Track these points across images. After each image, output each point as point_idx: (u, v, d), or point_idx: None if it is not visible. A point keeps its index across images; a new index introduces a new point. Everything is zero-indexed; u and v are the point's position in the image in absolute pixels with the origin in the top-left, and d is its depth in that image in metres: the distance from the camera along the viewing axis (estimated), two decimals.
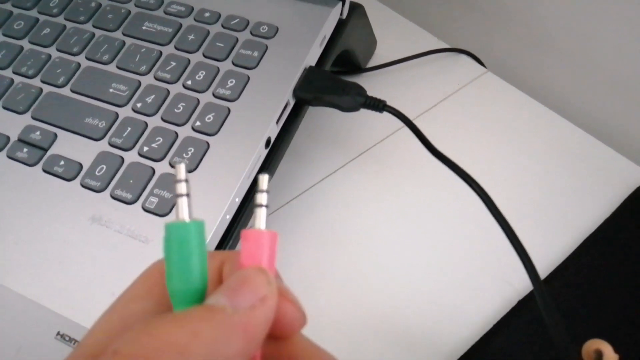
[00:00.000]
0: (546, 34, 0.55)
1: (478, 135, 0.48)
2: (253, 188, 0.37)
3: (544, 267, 0.41)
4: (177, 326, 0.16)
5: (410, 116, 0.39)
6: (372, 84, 0.52)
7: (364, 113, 0.41)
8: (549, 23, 0.54)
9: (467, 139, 0.48)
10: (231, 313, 0.17)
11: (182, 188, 0.18)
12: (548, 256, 0.41)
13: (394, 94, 0.51)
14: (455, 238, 0.43)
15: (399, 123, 0.39)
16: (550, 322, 0.30)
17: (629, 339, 0.38)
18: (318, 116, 0.49)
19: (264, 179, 0.19)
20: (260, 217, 0.19)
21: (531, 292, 0.40)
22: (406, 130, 0.39)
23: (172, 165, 0.36)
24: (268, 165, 0.38)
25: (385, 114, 0.40)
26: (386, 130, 0.48)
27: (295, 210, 0.44)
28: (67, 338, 0.31)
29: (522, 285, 0.40)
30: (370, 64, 0.54)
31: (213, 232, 0.34)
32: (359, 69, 0.53)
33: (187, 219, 0.18)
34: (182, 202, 0.18)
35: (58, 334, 0.32)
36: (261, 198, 0.19)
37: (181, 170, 0.18)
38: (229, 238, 0.35)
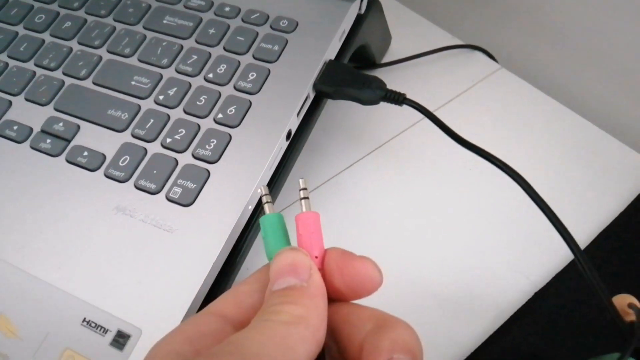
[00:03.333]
0: (559, 29, 0.55)
1: (492, 131, 0.49)
2: (274, 179, 0.37)
3: (559, 261, 0.41)
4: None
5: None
6: (387, 80, 0.51)
7: (380, 107, 0.41)
8: (562, 19, 0.54)
9: (481, 135, 0.48)
10: (308, 285, 0.23)
11: (266, 198, 0.29)
12: (563, 250, 0.42)
13: (408, 89, 0.51)
14: (473, 230, 0.43)
15: (415, 117, 0.40)
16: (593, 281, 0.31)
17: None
18: (335, 110, 0.49)
19: (303, 181, 0.29)
20: (305, 205, 0.28)
21: (547, 285, 0.40)
22: (423, 124, 0.40)
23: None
24: (288, 157, 0.39)
25: (403, 108, 0.40)
26: (403, 124, 0.49)
27: (314, 202, 0.44)
28: (93, 324, 0.32)
29: (538, 278, 0.41)
30: (385, 59, 0.54)
31: (236, 221, 0.34)
32: (374, 64, 0.53)
33: (270, 212, 0.28)
34: (268, 206, 0.29)
35: (84, 320, 0.32)
36: (304, 193, 0.28)
37: (264, 189, 0.29)
38: (250, 227, 0.36)
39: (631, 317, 0.31)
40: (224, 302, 0.25)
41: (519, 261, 0.41)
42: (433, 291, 0.40)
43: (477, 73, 0.53)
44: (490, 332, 0.39)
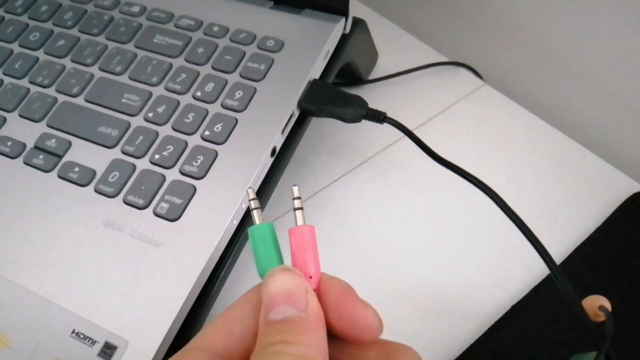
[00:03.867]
0: (544, 47, 0.56)
1: (474, 146, 0.50)
2: (259, 196, 0.39)
3: (536, 275, 0.42)
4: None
5: (410, 128, 0.41)
6: (373, 96, 0.54)
7: (365, 124, 0.42)
8: (547, 37, 0.56)
9: (463, 151, 0.50)
10: (307, 316, 0.22)
11: (255, 204, 0.26)
12: (540, 265, 0.43)
13: (394, 105, 0.53)
14: (453, 244, 0.44)
15: (398, 134, 0.41)
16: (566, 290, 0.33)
17: (617, 346, 0.39)
18: (321, 126, 0.51)
19: (296, 189, 0.26)
20: (299, 218, 0.26)
21: (524, 298, 0.41)
22: (405, 141, 0.41)
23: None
24: (273, 173, 0.40)
25: (386, 125, 0.41)
26: (386, 140, 0.50)
27: None
28: (81, 336, 0.33)
29: (516, 291, 0.42)
30: (372, 76, 0.56)
31: (221, 236, 0.36)
32: (361, 80, 0.54)
33: (260, 223, 0.26)
34: (257, 213, 0.26)
35: (73, 332, 0.33)
36: (298, 203, 0.26)
37: (251, 193, 0.26)
38: (235, 242, 0.37)
39: (601, 318, 0.32)
40: (212, 334, 0.24)
41: (498, 275, 0.42)
42: (412, 303, 0.41)
43: (461, 90, 0.55)
44: (469, 344, 0.40)
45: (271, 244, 0.25)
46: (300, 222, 0.25)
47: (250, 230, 0.25)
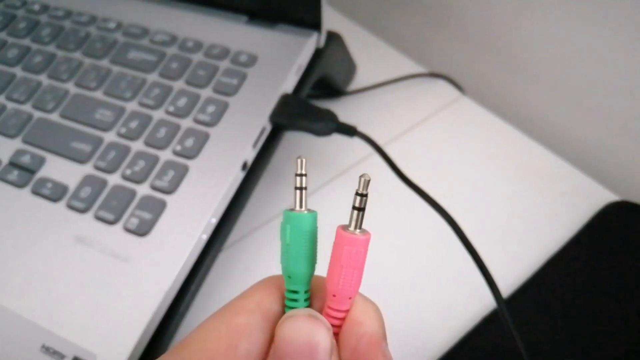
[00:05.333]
0: (522, 59, 0.57)
1: (451, 158, 0.50)
2: (230, 209, 0.39)
3: (510, 284, 0.43)
4: None
5: (387, 139, 0.41)
6: (351, 108, 0.54)
7: (342, 139, 0.43)
8: (525, 49, 0.56)
9: (440, 162, 0.50)
10: None
11: (302, 182, 0.21)
12: (514, 274, 0.43)
13: (372, 117, 0.53)
14: (427, 258, 0.44)
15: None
16: (512, 335, 0.33)
17: (591, 356, 0.40)
18: (296, 141, 0.51)
19: (364, 179, 0.21)
20: (358, 220, 0.21)
21: (495, 309, 0.41)
22: (378, 155, 0.41)
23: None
24: (245, 187, 0.40)
25: (361, 140, 0.42)
26: (360, 154, 0.50)
27: (274, 230, 0.46)
28: (51, 350, 0.33)
29: (491, 302, 0.42)
30: (351, 87, 0.56)
31: (190, 250, 0.36)
32: (339, 92, 0.55)
33: (303, 210, 0.21)
34: (303, 195, 0.21)
35: (43, 346, 0.34)
36: (362, 201, 0.21)
37: (302, 165, 0.21)
38: (206, 255, 0.37)
39: None
40: (213, 348, 0.19)
41: (473, 287, 0.42)
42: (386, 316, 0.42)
43: (439, 101, 0.55)
44: (444, 351, 0.40)
45: (310, 242, 0.21)
46: (357, 227, 0.20)
47: (289, 215, 0.21)
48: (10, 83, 0.45)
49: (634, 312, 0.41)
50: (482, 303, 0.42)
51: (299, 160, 0.20)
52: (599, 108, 0.52)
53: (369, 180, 0.20)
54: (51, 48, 0.47)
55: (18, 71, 0.46)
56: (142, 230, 0.37)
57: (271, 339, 0.20)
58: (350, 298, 0.21)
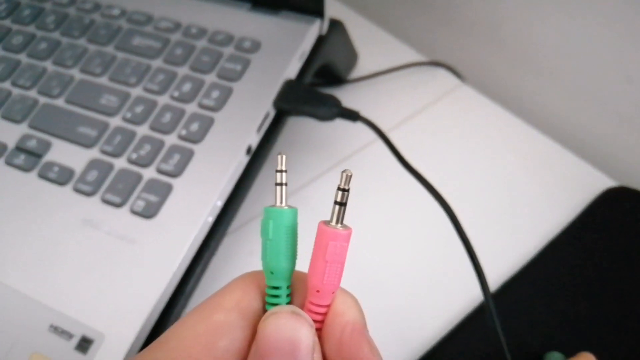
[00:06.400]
0: (522, 47, 0.57)
1: (451, 145, 0.51)
2: (235, 193, 0.39)
3: (508, 269, 0.43)
4: None
5: (388, 127, 0.42)
6: (353, 96, 0.54)
7: (345, 125, 0.43)
8: (525, 38, 0.56)
9: (440, 149, 0.51)
10: None
11: (282, 178, 0.21)
12: (513, 260, 0.44)
13: (373, 105, 0.54)
14: (423, 246, 0.45)
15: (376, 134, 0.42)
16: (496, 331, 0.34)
17: (588, 340, 0.40)
18: (300, 127, 0.51)
19: (346, 175, 0.21)
20: (339, 215, 0.20)
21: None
22: (381, 141, 0.42)
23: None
24: (249, 171, 0.41)
25: (364, 127, 0.42)
26: (364, 140, 0.51)
27: None
28: (59, 330, 0.34)
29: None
30: (352, 76, 0.57)
31: (196, 232, 0.36)
32: (341, 80, 0.55)
33: (283, 205, 0.21)
34: (283, 191, 0.21)
35: (51, 326, 0.34)
36: (343, 196, 0.20)
37: (282, 161, 0.21)
38: (212, 238, 0.38)
39: None
40: (192, 345, 0.19)
41: (468, 275, 0.43)
42: (382, 300, 0.42)
43: (440, 89, 0.56)
44: (440, 337, 0.40)
45: (291, 237, 0.21)
46: (338, 221, 0.20)
47: (268, 211, 0.21)
48: (15, 69, 0.46)
49: (632, 298, 0.42)
50: (477, 294, 0.42)
51: (279, 157, 0.21)
52: (598, 95, 0.53)
53: (350, 176, 0.20)
54: (56, 35, 0.47)
55: (23, 58, 0.46)
56: (148, 212, 0.37)
57: (250, 337, 0.20)
58: (333, 293, 0.21)
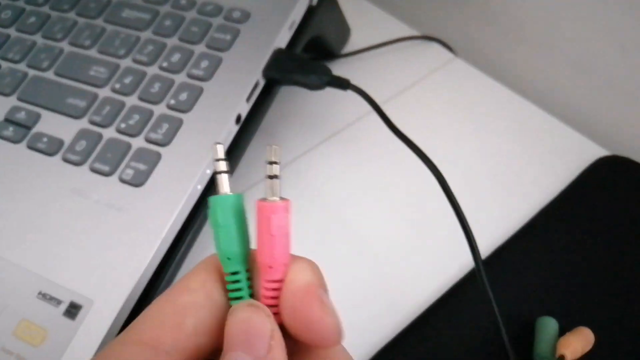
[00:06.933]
0: (513, 21, 0.57)
1: (444, 116, 0.51)
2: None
3: (499, 237, 0.43)
4: None
5: (380, 100, 0.42)
6: (345, 70, 0.54)
7: (337, 97, 0.43)
8: (516, 10, 0.56)
9: (433, 121, 0.50)
10: None
11: (222, 166, 0.20)
12: (505, 227, 0.44)
13: (365, 79, 0.53)
14: (416, 215, 0.45)
15: (368, 107, 0.42)
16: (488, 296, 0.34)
17: (579, 307, 0.40)
18: (292, 100, 0.51)
19: (274, 150, 0.20)
20: (273, 189, 0.20)
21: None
22: (375, 114, 0.42)
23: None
24: (239, 142, 0.41)
25: (356, 99, 0.42)
26: (356, 113, 0.51)
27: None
28: (48, 297, 0.34)
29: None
30: (345, 51, 0.56)
31: (185, 199, 0.36)
32: (333, 55, 0.55)
33: (228, 192, 0.20)
34: (224, 178, 0.21)
35: (39, 293, 0.34)
36: (274, 169, 0.20)
37: (219, 150, 0.20)
38: (201, 207, 0.38)
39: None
40: (160, 326, 0.19)
41: (462, 242, 0.43)
42: (376, 267, 0.42)
43: (433, 63, 0.56)
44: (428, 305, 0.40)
45: (242, 221, 0.21)
46: (275, 195, 0.20)
47: (212, 200, 0.20)
48: (4, 44, 0.45)
49: (623, 266, 0.42)
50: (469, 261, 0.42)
51: (217, 147, 0.21)
52: (589, 66, 0.53)
53: (277, 148, 0.20)
54: (45, 9, 0.47)
55: (12, 32, 0.46)
56: (137, 180, 0.37)
57: (218, 317, 0.20)
58: (285, 265, 0.20)
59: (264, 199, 0.20)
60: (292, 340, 0.20)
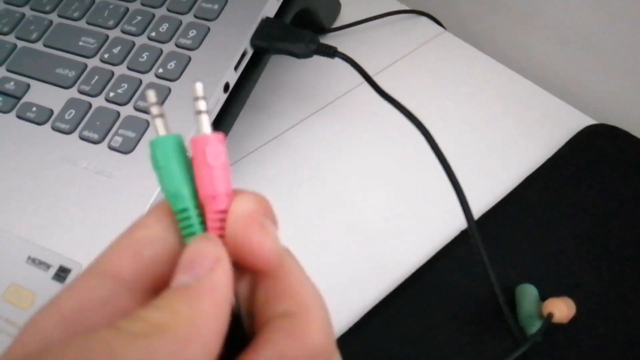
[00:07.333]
0: None
1: (433, 88, 0.51)
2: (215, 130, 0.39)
3: (486, 204, 0.43)
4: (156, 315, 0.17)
5: (371, 73, 0.42)
6: (335, 44, 0.53)
7: (325, 69, 0.44)
8: None
9: (423, 92, 0.51)
10: (196, 284, 0.18)
11: (156, 110, 0.21)
12: (493, 193, 0.44)
13: (355, 52, 0.53)
14: (407, 180, 0.45)
15: (357, 80, 0.42)
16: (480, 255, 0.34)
17: (563, 274, 0.41)
18: (282, 72, 0.52)
19: (200, 86, 0.21)
20: (205, 123, 0.20)
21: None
22: (364, 87, 0.42)
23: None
24: (228, 111, 0.41)
25: (345, 71, 0.42)
26: (346, 85, 0.51)
27: (259, 159, 0.46)
28: (37, 261, 0.34)
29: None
30: (335, 25, 0.56)
31: None
32: (323, 29, 0.55)
33: (164, 134, 0.21)
34: (159, 122, 0.21)
35: (29, 258, 0.34)
36: (202, 104, 0.21)
37: (151, 95, 0.21)
38: None
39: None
40: (117, 256, 0.20)
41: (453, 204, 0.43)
42: (371, 231, 0.43)
43: (422, 36, 0.56)
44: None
45: (179, 160, 0.21)
46: (205, 129, 0.21)
47: (152, 143, 0.21)
48: None
49: (608, 233, 0.42)
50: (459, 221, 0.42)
51: (149, 92, 0.21)
52: (576, 36, 0.53)
53: (200, 84, 0.21)
54: None
55: (0, 4, 0.46)
56: (126, 148, 0.37)
57: (175, 253, 0.20)
58: (228, 196, 0.20)
59: (197, 134, 0.20)
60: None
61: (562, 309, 0.36)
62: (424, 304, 0.39)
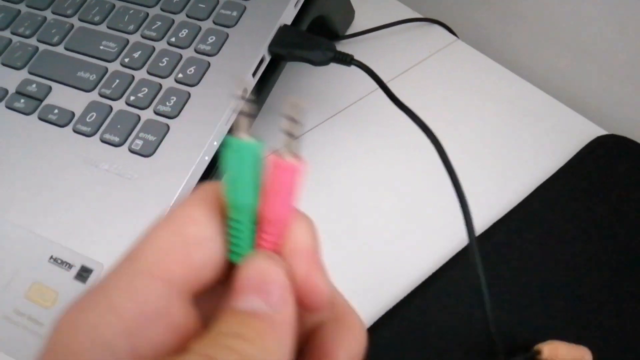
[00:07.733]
0: (512, 4, 0.58)
1: (445, 96, 0.52)
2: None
3: (496, 214, 0.44)
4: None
5: (384, 80, 0.43)
6: (349, 51, 0.54)
7: (340, 76, 0.44)
8: None
9: (435, 100, 0.51)
10: (275, 315, 0.18)
11: (244, 107, 0.19)
12: (501, 205, 0.45)
13: (368, 60, 0.54)
14: (416, 189, 0.46)
15: (372, 86, 0.43)
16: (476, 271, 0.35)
17: (571, 287, 0.41)
18: (297, 77, 0.52)
19: (294, 105, 0.19)
20: (293, 148, 0.19)
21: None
22: (378, 93, 0.43)
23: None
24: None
25: (359, 77, 0.43)
26: (360, 92, 0.52)
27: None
28: (59, 261, 0.35)
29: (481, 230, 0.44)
30: (349, 32, 0.57)
31: (192, 171, 0.37)
32: (337, 36, 0.56)
33: (245, 137, 0.19)
34: (243, 121, 0.19)
35: (51, 257, 0.35)
36: (295, 126, 0.19)
37: (242, 89, 0.19)
38: (209, 177, 0.39)
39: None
40: (170, 259, 0.18)
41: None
42: (377, 242, 0.43)
43: (434, 45, 0.56)
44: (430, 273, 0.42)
45: (253, 172, 0.19)
46: (291, 154, 0.19)
47: (230, 143, 0.19)
48: (15, 19, 0.46)
49: (618, 244, 0.42)
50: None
51: (239, 84, 0.19)
52: (588, 46, 0.53)
53: (298, 104, 0.19)
54: None
55: (23, 7, 0.47)
56: (146, 151, 0.38)
57: (222, 255, 0.19)
58: (285, 223, 0.20)
59: (279, 155, 0.19)
60: None
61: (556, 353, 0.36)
62: (422, 322, 0.40)
